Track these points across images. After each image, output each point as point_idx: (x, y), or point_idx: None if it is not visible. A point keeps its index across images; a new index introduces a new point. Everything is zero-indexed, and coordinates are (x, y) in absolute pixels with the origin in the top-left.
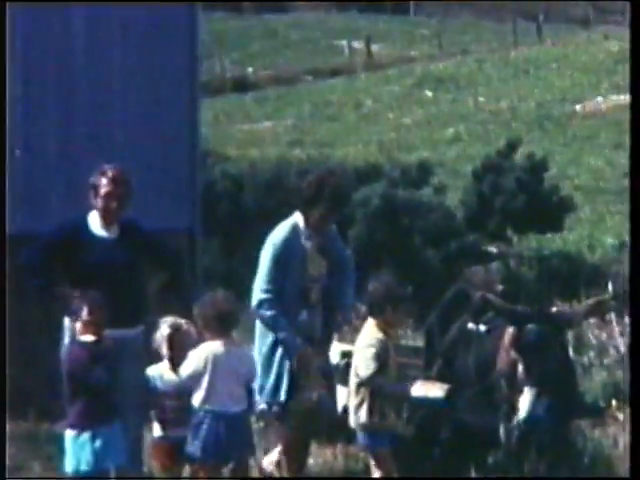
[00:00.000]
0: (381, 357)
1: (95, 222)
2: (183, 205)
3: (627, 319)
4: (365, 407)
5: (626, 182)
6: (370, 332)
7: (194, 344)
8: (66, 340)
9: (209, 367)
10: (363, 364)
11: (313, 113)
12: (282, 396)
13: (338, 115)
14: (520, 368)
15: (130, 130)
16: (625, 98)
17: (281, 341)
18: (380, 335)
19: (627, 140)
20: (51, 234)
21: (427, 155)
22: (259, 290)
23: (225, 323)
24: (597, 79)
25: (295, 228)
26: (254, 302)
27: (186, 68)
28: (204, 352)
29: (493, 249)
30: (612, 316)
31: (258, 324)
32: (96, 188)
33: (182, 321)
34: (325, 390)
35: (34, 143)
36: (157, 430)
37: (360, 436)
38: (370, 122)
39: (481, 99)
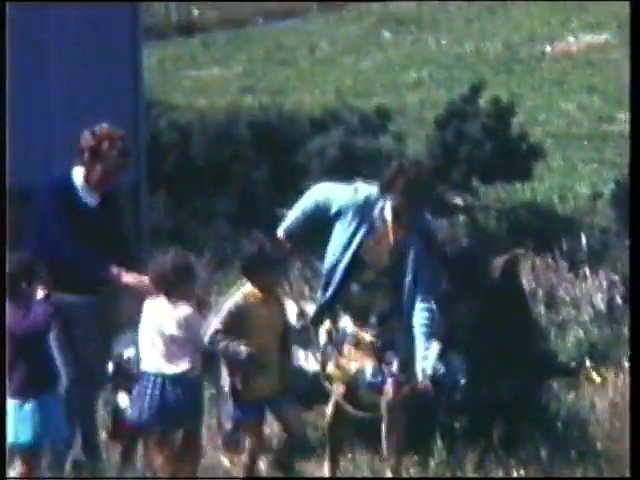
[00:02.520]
0: (229, 320)
1: (81, 185)
2: None
3: (603, 274)
4: (225, 373)
5: (600, 127)
6: (235, 294)
7: None
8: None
9: (147, 326)
10: (213, 321)
11: (265, 58)
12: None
13: (291, 60)
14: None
15: (69, 79)
16: (597, 38)
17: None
18: (239, 300)
19: (600, 82)
20: (45, 203)
21: (387, 101)
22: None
23: (178, 281)
24: (567, 19)
25: (374, 202)
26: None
27: (127, 10)
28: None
29: (458, 201)
30: (586, 271)
31: None
32: (99, 154)
33: None
34: (371, 365)
35: None
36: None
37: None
38: (326, 67)
39: (444, 41)
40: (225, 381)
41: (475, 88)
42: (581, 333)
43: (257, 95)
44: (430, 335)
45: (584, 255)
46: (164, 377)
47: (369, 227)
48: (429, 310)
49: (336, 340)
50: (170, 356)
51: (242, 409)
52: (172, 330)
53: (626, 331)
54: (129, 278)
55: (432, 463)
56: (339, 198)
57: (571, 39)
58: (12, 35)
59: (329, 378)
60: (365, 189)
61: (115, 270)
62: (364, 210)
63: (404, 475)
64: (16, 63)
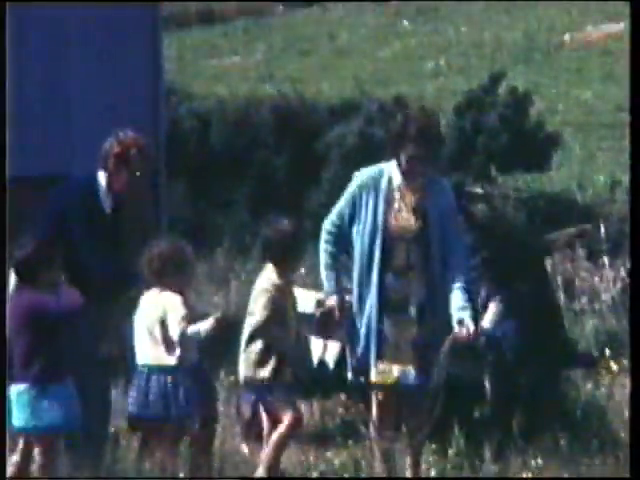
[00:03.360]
0: (277, 303)
1: (104, 190)
2: None
3: (621, 263)
4: (254, 359)
5: (618, 116)
6: (267, 276)
7: None
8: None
9: (138, 318)
10: (257, 311)
11: (284, 47)
12: (369, 364)
13: (311, 49)
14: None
15: (90, 68)
16: (615, 27)
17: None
18: (278, 280)
19: (618, 71)
20: (69, 202)
21: (406, 90)
22: (327, 218)
23: (163, 271)
24: (586, 7)
25: (380, 174)
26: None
27: (147, 1)
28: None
29: (478, 189)
30: (605, 260)
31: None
32: (125, 161)
33: None
34: (414, 365)
35: None
36: None
37: (245, 391)
38: (345, 56)
39: (463, 30)
40: (247, 367)
41: (493, 77)
42: (599, 322)
43: (276, 83)
44: (467, 292)
45: (602, 244)
46: (151, 369)
47: (386, 199)
48: (465, 274)
49: (376, 343)
50: (156, 348)
51: (263, 391)
52: (153, 321)
53: None
54: None
55: (450, 452)
56: (348, 202)
57: (590, 28)
58: (32, 24)
59: (372, 386)
60: (366, 170)
61: None
62: (375, 186)
63: (423, 464)
64: (36, 52)
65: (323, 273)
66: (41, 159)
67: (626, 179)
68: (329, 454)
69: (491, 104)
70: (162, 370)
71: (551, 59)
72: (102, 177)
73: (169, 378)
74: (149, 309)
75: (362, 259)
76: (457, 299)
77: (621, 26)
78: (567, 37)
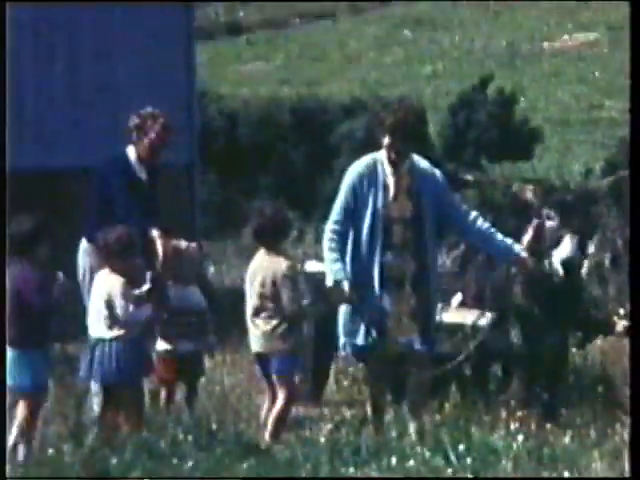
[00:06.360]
0: (301, 285)
1: (134, 161)
2: (182, 142)
3: (594, 242)
4: (282, 331)
5: (591, 113)
6: (281, 259)
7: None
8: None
9: (93, 294)
10: (297, 294)
11: (300, 54)
12: (370, 339)
13: (323, 56)
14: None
15: (133, 75)
16: (588, 36)
17: (329, 272)
18: (288, 262)
19: (591, 74)
20: (108, 177)
21: (406, 91)
22: (329, 220)
23: (118, 254)
24: (562, 19)
25: (374, 163)
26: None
27: (182, 14)
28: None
29: (469, 177)
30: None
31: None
32: (145, 131)
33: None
34: (417, 334)
35: (43, 88)
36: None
37: (274, 361)
38: (353, 61)
39: (456, 39)
40: (276, 339)
41: (483, 80)
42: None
43: (294, 86)
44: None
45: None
46: (96, 340)
47: (383, 185)
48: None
49: (380, 318)
50: (99, 323)
51: (293, 361)
52: (99, 299)
53: (612, 291)
54: (162, 244)
55: (447, 406)
56: (348, 194)
57: (566, 37)
58: (84, 27)
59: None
60: (359, 162)
61: (156, 233)
62: (371, 174)
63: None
64: (86, 58)
65: (331, 267)
66: (89, 155)
67: (598, 168)
68: (342, 408)
69: (481, 103)
70: (103, 342)
71: (532, 64)
72: (131, 150)
73: (108, 349)
74: (98, 288)
75: (364, 242)
76: (501, 240)
77: (593, 36)
78: (546, 45)
